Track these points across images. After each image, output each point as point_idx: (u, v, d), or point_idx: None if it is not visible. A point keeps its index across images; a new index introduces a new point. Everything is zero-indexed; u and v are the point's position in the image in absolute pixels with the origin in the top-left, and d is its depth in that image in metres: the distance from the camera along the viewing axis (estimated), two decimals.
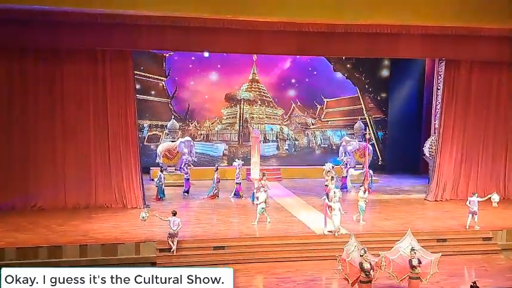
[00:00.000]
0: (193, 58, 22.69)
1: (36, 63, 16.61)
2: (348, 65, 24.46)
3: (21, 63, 16.54)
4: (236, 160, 20.43)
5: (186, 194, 19.42)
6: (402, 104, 24.45)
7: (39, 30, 15.78)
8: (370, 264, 11.23)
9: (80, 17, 15.69)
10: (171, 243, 13.80)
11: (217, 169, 19.34)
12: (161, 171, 19.22)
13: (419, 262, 11.54)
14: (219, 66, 23.11)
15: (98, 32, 16.08)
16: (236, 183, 19.29)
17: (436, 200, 19.23)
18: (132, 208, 17.05)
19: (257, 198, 15.97)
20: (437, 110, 21.51)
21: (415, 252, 11.65)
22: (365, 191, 16.41)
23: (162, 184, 18.62)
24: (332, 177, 17.57)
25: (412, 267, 11.52)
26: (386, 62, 24.06)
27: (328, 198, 15.26)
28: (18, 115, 16.61)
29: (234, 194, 19.26)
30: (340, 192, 15.07)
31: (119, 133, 17.15)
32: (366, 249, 11.47)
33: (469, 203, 15.56)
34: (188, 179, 19.81)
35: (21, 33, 15.74)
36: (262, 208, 15.76)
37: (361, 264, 11.20)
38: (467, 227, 15.64)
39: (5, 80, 16.45)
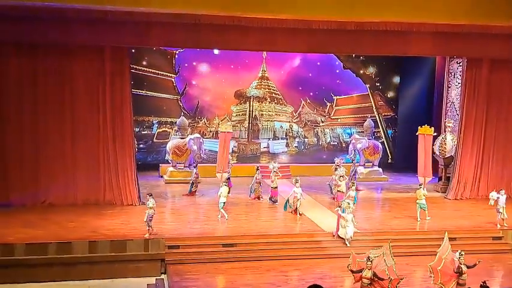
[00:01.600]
0: (203, 55, 22.66)
1: (46, 60, 16.64)
2: (358, 63, 24.36)
3: (32, 59, 16.57)
4: (272, 163, 19.84)
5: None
6: (412, 102, 24.32)
7: (50, 27, 15.79)
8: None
9: (91, 14, 15.67)
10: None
11: (258, 169, 18.78)
12: (195, 166, 19.29)
13: (468, 267, 11.13)
14: (228, 63, 23.07)
15: (108, 29, 16.08)
16: (272, 187, 18.17)
17: (455, 199, 19.16)
18: (128, 205, 17.02)
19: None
20: (447, 108, 21.44)
21: (463, 256, 11.18)
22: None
23: (196, 179, 18.77)
24: (341, 176, 17.36)
25: (461, 273, 11.07)
26: (396, 60, 23.89)
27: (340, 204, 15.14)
28: (29, 112, 16.66)
29: (269, 199, 18.21)
30: (353, 203, 14.72)
31: (116, 130, 17.11)
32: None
33: (495, 199, 15.54)
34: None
35: (31, 30, 15.74)
36: (223, 203, 16.02)
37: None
38: (498, 225, 15.74)
39: (15, 77, 16.52)
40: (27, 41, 16.06)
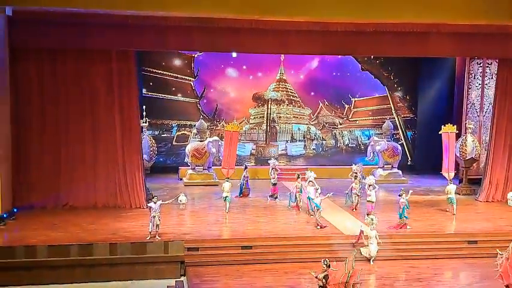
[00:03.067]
0: (221, 58, 22.78)
1: (66, 64, 16.89)
2: (376, 64, 24.24)
3: (52, 64, 16.84)
4: (272, 158, 20.13)
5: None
6: (432, 104, 24.09)
7: (71, 32, 16.08)
8: None
9: (111, 19, 15.95)
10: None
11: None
12: (245, 168, 19.27)
13: None
14: (246, 66, 23.16)
15: (128, 33, 16.33)
16: (272, 184, 18.77)
17: (487, 201, 18.97)
18: (136, 208, 17.11)
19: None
20: (468, 110, 21.23)
21: None
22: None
23: (245, 182, 18.87)
24: (355, 176, 17.35)
25: None
26: (415, 61, 23.72)
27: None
28: (50, 115, 16.94)
29: (270, 196, 18.69)
30: (376, 218, 14.25)
31: (124, 133, 17.21)
32: None
33: None
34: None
35: (52, 35, 16.06)
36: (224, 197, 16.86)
37: None
38: None
39: (36, 81, 16.80)
40: (48, 45, 16.36)
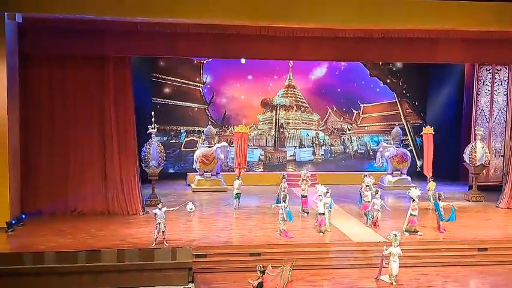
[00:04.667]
0: (230, 65, 22.81)
1: (76, 70, 16.96)
2: (385, 70, 24.17)
3: (62, 70, 16.92)
4: (304, 169, 19.51)
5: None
6: (441, 110, 23.98)
7: (80, 38, 16.19)
8: None
9: (121, 26, 16.06)
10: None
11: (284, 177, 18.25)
12: (283, 177, 18.21)
13: None
14: (255, 72, 23.17)
15: (137, 40, 16.45)
16: (302, 196, 17.51)
17: (508, 208, 18.74)
18: (133, 215, 17.10)
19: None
20: (477, 116, 21.10)
21: None
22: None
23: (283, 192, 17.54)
24: (367, 185, 16.80)
25: None
26: (425, 67, 23.63)
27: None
28: (60, 122, 17.03)
29: (302, 210, 17.47)
30: (399, 234, 13.15)
31: (120, 139, 17.24)
32: None
33: None
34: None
35: (63, 41, 16.18)
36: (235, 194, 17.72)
37: None
38: None
39: (46, 88, 16.90)
40: (58, 52, 16.44)
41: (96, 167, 17.27)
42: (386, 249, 12.92)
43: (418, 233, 15.41)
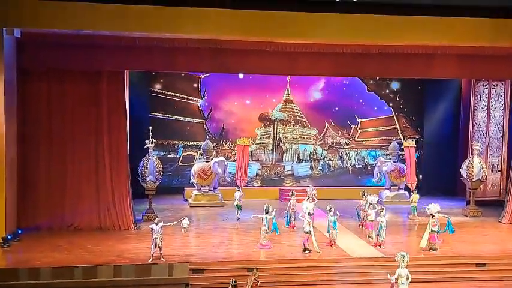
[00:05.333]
0: (227, 79, 22.88)
1: (75, 84, 16.98)
2: (383, 85, 24.27)
3: (61, 84, 16.94)
4: (310, 186, 18.92)
5: None
6: (438, 125, 24.04)
7: (79, 53, 16.26)
8: None
9: (119, 40, 16.15)
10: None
11: (293, 194, 17.90)
12: (292, 194, 17.89)
13: None
14: (253, 86, 23.22)
15: (135, 54, 16.55)
16: (308, 214, 16.32)
17: (511, 223, 18.65)
18: (125, 230, 17.04)
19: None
20: (474, 131, 21.17)
21: None
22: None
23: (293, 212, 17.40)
24: (370, 203, 16.39)
25: None
26: (422, 82, 23.74)
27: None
28: (58, 136, 17.00)
29: None
30: (408, 255, 12.45)
31: (112, 154, 17.21)
32: None
33: None
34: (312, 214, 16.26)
35: (62, 56, 16.25)
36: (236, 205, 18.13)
37: None
38: None
39: (45, 102, 16.89)
40: (56, 67, 16.49)
41: (92, 182, 17.22)
42: (391, 276, 12.20)
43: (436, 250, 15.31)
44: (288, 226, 17.51)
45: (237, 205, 18.66)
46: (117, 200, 17.19)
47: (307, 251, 14.89)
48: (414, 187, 20.11)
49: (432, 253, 15.11)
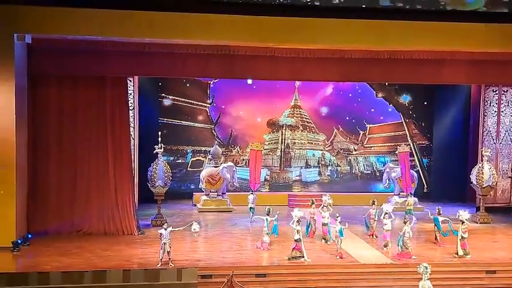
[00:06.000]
0: (236, 85, 22.96)
1: (85, 90, 17.13)
2: (392, 91, 24.22)
3: (72, 90, 17.07)
4: (326, 194, 17.97)
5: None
6: (447, 130, 23.93)
7: (88, 58, 16.37)
8: None
9: (128, 46, 16.26)
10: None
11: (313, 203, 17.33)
12: (312, 202, 17.24)
13: None
14: (261, 92, 23.26)
15: (145, 60, 16.61)
16: (323, 224, 16.54)
17: None
18: (128, 235, 17.08)
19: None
20: (484, 137, 21.07)
21: None
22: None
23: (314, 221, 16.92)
24: (386, 212, 16.04)
25: None
26: (431, 88, 23.67)
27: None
28: (67, 141, 17.11)
29: (323, 238, 16.57)
30: (430, 267, 11.89)
31: (116, 159, 17.25)
32: None
33: None
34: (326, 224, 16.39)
35: (70, 61, 16.37)
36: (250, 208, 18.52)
37: None
38: None
39: (56, 107, 17.02)
40: (67, 72, 16.61)
41: (98, 187, 17.30)
42: None
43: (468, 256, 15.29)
44: (307, 235, 16.91)
45: (250, 208, 18.94)
46: (120, 205, 17.21)
47: (294, 259, 14.68)
48: (409, 191, 20.63)
49: (446, 260, 15.02)
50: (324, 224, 16.48)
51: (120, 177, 17.28)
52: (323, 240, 16.44)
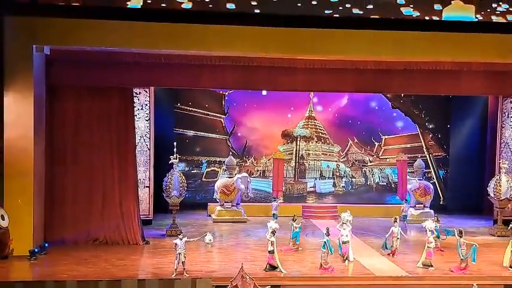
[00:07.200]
0: (251, 96, 23.06)
1: (102, 101, 17.30)
2: (407, 102, 24.12)
3: (88, 101, 17.25)
4: (347, 211, 16.59)
5: None
6: (464, 142, 23.74)
7: (106, 70, 16.59)
8: None
9: (144, 57, 16.42)
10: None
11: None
12: (341, 224, 15.99)
13: None
14: (276, 103, 23.32)
15: (161, 71, 16.77)
16: (342, 242, 15.63)
17: None
18: (133, 244, 17.14)
19: None
20: (502, 149, 20.86)
21: None
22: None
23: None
24: (430, 230, 15.47)
25: None
26: (447, 99, 23.54)
27: None
28: (84, 151, 17.27)
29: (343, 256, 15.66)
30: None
31: (120, 169, 17.35)
32: None
33: None
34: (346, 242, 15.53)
35: (88, 72, 16.55)
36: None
37: None
38: None
39: (72, 118, 17.21)
40: (85, 83, 16.78)
41: (112, 197, 17.39)
42: None
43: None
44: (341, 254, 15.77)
45: (273, 214, 19.27)
46: (125, 214, 17.28)
47: (272, 269, 14.52)
48: (405, 199, 21.25)
49: (458, 273, 14.83)
50: (343, 242, 15.58)
51: (125, 187, 17.38)
52: (346, 262, 15.41)
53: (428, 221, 15.86)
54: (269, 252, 14.54)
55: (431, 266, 15.03)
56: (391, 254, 16.19)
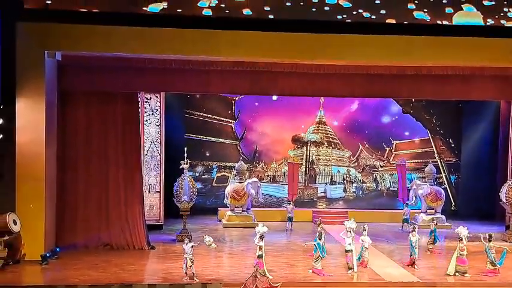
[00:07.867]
0: (261, 101, 23.11)
1: (115, 106, 17.40)
2: (418, 107, 24.03)
3: (100, 107, 17.35)
4: (352, 219, 15.83)
5: None
6: (476, 147, 23.59)
7: (117, 75, 16.72)
8: None
9: (154, 63, 16.52)
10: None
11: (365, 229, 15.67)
12: (364, 229, 15.52)
13: None
14: (286, 108, 23.35)
15: (172, 77, 16.89)
16: (346, 250, 15.00)
17: None
18: (139, 249, 17.17)
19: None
20: None
21: None
22: None
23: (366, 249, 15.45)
24: (460, 238, 15.09)
25: None
26: (458, 103, 23.42)
27: None
28: (95, 156, 17.38)
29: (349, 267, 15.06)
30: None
31: (126, 173, 17.41)
32: None
33: None
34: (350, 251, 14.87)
35: (99, 78, 16.70)
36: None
37: None
38: None
39: (84, 124, 17.31)
40: (96, 88, 16.91)
41: (119, 202, 17.45)
42: None
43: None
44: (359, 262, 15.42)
45: (288, 217, 20.31)
46: (130, 219, 17.34)
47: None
48: (405, 201, 21.79)
49: (475, 279, 14.68)
50: (347, 251, 15.05)
51: (131, 191, 17.44)
52: (350, 271, 14.87)
53: (461, 228, 15.25)
54: (258, 256, 14.26)
55: (466, 272, 14.74)
56: (409, 265, 15.69)
